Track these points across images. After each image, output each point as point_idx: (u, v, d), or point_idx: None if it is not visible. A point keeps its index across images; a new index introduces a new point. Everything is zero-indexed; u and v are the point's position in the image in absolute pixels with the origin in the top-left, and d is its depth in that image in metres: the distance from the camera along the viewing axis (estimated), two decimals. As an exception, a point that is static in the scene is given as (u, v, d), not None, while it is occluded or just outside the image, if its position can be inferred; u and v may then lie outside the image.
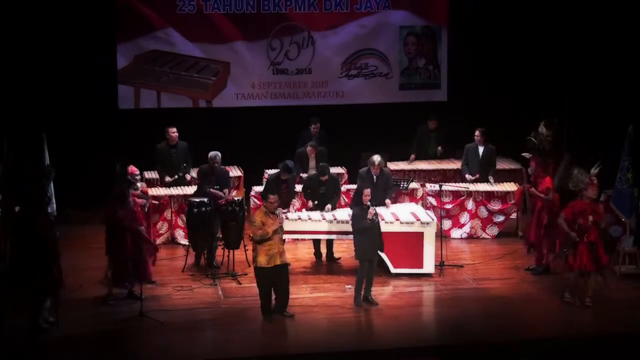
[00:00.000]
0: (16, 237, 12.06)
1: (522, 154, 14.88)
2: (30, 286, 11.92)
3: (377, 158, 14.46)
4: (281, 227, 12.57)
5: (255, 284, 13.67)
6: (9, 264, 12.20)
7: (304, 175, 15.72)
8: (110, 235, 12.79)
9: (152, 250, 13.15)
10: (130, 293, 13.08)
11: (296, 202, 15.18)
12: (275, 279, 12.49)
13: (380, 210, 13.93)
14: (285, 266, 12.58)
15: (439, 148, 17.29)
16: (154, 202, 15.08)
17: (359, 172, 14.80)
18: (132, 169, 13.48)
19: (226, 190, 14.60)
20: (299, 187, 15.34)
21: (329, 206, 14.48)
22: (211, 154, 14.78)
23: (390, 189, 14.78)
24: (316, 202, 14.54)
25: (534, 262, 14.42)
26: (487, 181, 16.15)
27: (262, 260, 12.40)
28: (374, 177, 14.44)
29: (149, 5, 17.31)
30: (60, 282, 12.12)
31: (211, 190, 14.46)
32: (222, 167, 14.92)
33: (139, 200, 13.36)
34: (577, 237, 12.77)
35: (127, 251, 12.66)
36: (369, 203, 12.88)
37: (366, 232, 12.86)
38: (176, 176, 15.68)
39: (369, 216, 12.80)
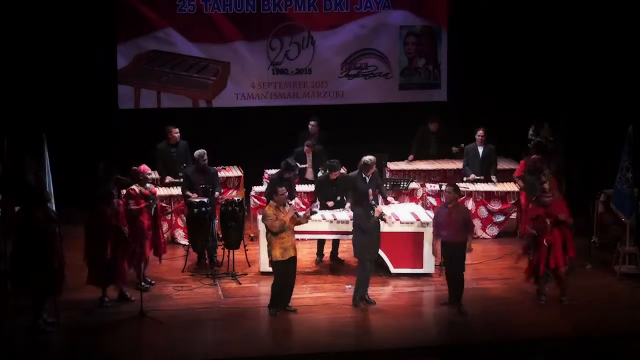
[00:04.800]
0: (18, 235, 12.06)
1: (533, 157, 14.80)
2: (30, 286, 11.92)
3: (373, 158, 14.38)
4: (297, 215, 12.68)
5: (254, 284, 13.76)
6: (10, 262, 12.19)
7: (301, 166, 15.67)
8: (90, 236, 12.76)
9: (132, 252, 13.04)
10: (121, 294, 13.08)
11: (299, 203, 15.19)
12: (288, 271, 12.63)
13: (385, 208, 14.05)
14: (295, 259, 12.73)
15: (454, 148, 17.17)
16: (162, 204, 15.08)
17: (350, 176, 14.69)
18: (144, 167, 13.49)
19: (217, 194, 14.55)
20: (298, 188, 15.36)
21: (347, 205, 14.43)
22: (197, 152, 14.72)
23: (382, 186, 14.77)
24: (333, 204, 14.52)
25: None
26: (490, 181, 16.16)
27: (277, 254, 12.52)
28: (367, 179, 14.36)
29: (149, 5, 17.32)
30: (63, 278, 12.11)
31: (188, 193, 14.49)
32: (211, 167, 14.90)
33: (143, 202, 13.34)
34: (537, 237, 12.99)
35: (105, 254, 12.63)
36: (372, 202, 12.91)
37: (372, 230, 12.89)
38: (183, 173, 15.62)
39: (376, 214, 12.85)
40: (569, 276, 13.17)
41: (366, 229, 12.93)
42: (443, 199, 13.70)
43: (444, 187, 15.41)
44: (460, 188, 15.92)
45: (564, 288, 13.12)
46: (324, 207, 14.58)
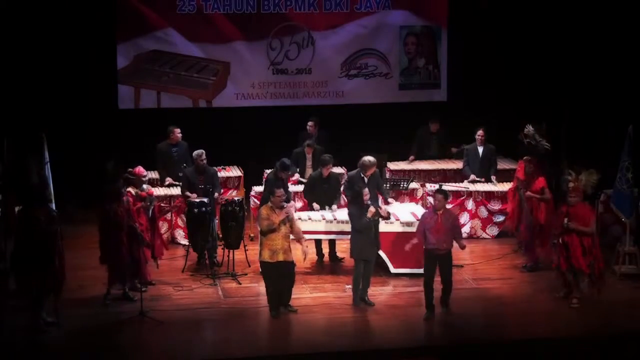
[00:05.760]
0: (18, 234, 12.06)
1: (524, 158, 14.78)
2: (31, 284, 11.92)
3: (372, 159, 14.41)
4: (289, 220, 12.61)
5: (254, 284, 13.77)
6: (10, 262, 12.20)
7: (297, 176, 15.71)
8: (105, 235, 12.80)
9: (145, 247, 13.06)
10: (125, 293, 13.08)
11: (296, 203, 15.18)
12: (278, 275, 12.55)
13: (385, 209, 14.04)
14: (288, 264, 12.61)
15: (453, 148, 17.24)
16: (161, 204, 15.06)
17: (349, 175, 14.76)
18: (139, 170, 13.48)
19: (216, 194, 14.53)
20: (293, 188, 15.35)
21: (334, 206, 14.46)
22: (196, 152, 14.73)
23: (382, 187, 14.78)
24: (318, 207, 14.52)
25: (526, 261, 14.51)
26: (490, 181, 16.17)
27: (266, 255, 12.49)
28: (365, 178, 14.39)
29: (149, 5, 17.32)
30: (63, 277, 12.11)
31: (187, 193, 14.50)
32: (211, 167, 14.90)
33: (139, 204, 13.34)
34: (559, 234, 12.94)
35: (123, 249, 12.67)
36: (368, 202, 12.92)
37: (365, 231, 12.88)
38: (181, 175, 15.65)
39: (369, 215, 12.82)
40: (582, 280, 13.10)
41: (359, 229, 12.91)
42: (432, 204, 13.20)
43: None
44: (461, 188, 16.02)
45: (580, 290, 13.08)
46: (310, 208, 14.59)
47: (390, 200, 14.84)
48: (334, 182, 14.70)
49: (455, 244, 12.73)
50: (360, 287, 13.03)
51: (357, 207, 12.99)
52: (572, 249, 12.85)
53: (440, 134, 17.37)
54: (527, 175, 14.44)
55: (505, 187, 16.02)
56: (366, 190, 13.02)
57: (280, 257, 12.50)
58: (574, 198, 12.99)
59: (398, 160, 17.15)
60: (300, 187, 15.68)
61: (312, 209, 14.58)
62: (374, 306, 12.99)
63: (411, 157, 17.21)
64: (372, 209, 12.88)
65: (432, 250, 12.59)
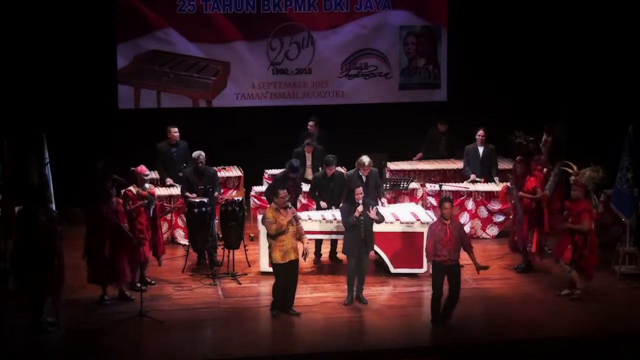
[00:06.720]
0: (18, 234, 12.07)
1: (517, 158, 14.78)
2: (30, 285, 11.92)
3: (366, 159, 14.44)
4: (295, 219, 12.64)
5: (254, 284, 13.78)
6: (10, 262, 12.20)
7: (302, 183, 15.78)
8: (89, 235, 12.77)
9: (134, 247, 12.95)
10: (121, 293, 13.08)
11: (302, 199, 15.20)
12: (289, 274, 12.58)
13: (382, 209, 14.00)
14: (296, 262, 12.65)
15: (416, 157, 17.32)
16: (163, 203, 15.07)
17: (347, 174, 14.79)
18: (142, 168, 13.47)
19: (216, 194, 14.53)
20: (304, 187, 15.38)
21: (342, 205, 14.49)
22: (195, 153, 14.73)
23: (380, 187, 14.79)
24: (326, 205, 14.53)
25: (520, 261, 14.53)
26: (492, 181, 16.16)
27: (277, 257, 12.48)
28: (364, 177, 14.42)
29: (149, 5, 17.32)
30: (62, 277, 12.11)
31: (187, 194, 14.49)
32: (210, 167, 14.89)
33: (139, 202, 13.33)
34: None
35: (104, 252, 12.63)
36: (360, 202, 12.89)
37: (351, 228, 12.90)
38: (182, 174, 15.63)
39: (356, 214, 12.82)
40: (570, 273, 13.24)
41: (346, 227, 12.97)
42: (439, 214, 12.60)
43: (443, 187, 15.47)
44: (461, 188, 16.02)
45: (572, 282, 13.26)
46: (318, 208, 14.59)
47: (383, 200, 14.78)
48: (339, 181, 14.69)
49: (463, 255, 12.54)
50: (354, 284, 13.04)
51: (348, 205, 13.01)
52: (561, 239, 13.11)
53: (449, 134, 17.39)
54: (518, 175, 14.43)
55: (506, 187, 16.06)
56: (359, 189, 13.01)
57: (292, 256, 12.53)
58: (575, 192, 13.11)
59: (398, 160, 17.15)
60: (303, 187, 15.71)
61: (319, 208, 14.56)
62: (368, 304, 13.00)
63: (420, 154, 17.22)
64: (359, 208, 12.85)
65: (444, 262, 12.21)
